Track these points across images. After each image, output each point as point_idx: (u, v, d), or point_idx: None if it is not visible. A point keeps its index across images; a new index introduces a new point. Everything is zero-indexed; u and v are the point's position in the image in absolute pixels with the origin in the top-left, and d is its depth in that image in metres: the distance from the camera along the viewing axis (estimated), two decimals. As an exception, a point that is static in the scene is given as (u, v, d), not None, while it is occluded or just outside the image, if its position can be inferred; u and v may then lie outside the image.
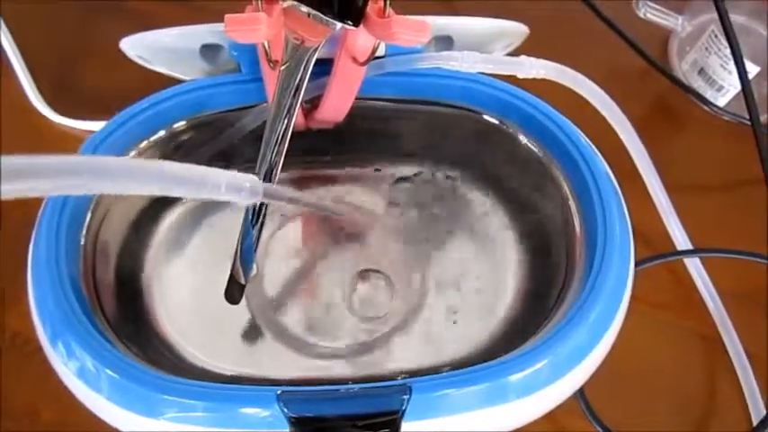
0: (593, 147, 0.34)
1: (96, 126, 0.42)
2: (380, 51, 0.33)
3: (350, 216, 0.39)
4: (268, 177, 0.30)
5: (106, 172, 0.21)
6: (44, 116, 0.44)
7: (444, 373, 0.28)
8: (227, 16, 0.27)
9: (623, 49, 0.46)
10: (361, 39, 0.30)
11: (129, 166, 0.22)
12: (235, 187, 0.24)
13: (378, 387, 0.28)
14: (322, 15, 0.27)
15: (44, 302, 0.29)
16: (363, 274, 0.37)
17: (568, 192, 0.34)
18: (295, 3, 0.27)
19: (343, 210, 0.38)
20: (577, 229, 0.33)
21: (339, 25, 0.28)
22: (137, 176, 0.21)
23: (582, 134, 0.34)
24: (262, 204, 0.31)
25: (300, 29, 0.28)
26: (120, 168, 0.21)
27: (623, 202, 0.33)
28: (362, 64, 0.31)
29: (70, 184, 0.20)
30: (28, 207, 0.32)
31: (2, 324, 0.38)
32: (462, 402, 0.28)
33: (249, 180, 0.24)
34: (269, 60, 0.30)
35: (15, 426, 0.36)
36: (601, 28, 0.46)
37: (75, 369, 0.28)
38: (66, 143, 0.43)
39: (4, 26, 0.46)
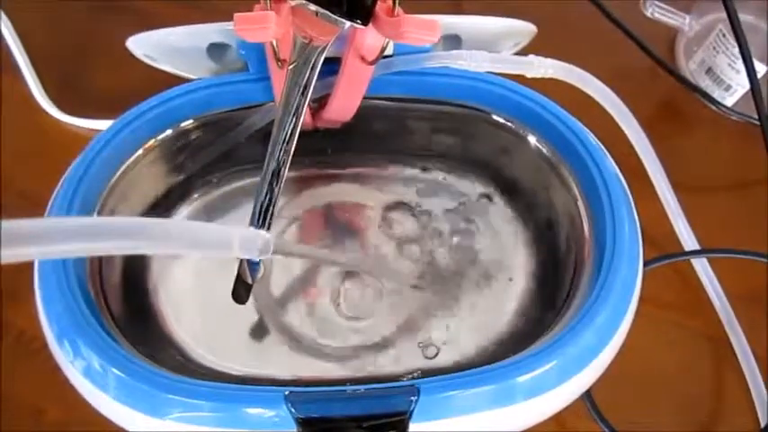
0: (603, 147, 0.34)
1: (102, 125, 0.42)
2: (389, 50, 0.33)
3: (364, 266, 0.38)
4: (275, 177, 0.30)
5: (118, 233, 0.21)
6: (50, 115, 0.44)
7: (452, 374, 0.28)
8: (236, 15, 0.27)
9: (630, 49, 0.46)
10: (369, 38, 0.30)
11: (142, 229, 0.22)
12: (247, 247, 0.25)
13: (385, 388, 0.28)
14: (331, 14, 0.27)
15: (51, 302, 0.29)
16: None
17: (577, 192, 0.33)
18: (304, 1, 0.27)
19: (357, 261, 0.38)
20: (586, 229, 0.33)
21: (348, 24, 0.27)
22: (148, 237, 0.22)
23: (591, 134, 0.34)
24: (269, 204, 0.31)
25: (309, 28, 0.28)
26: (129, 229, 0.21)
27: (632, 202, 0.33)
28: (371, 63, 0.31)
29: (89, 247, 0.20)
30: (35, 206, 0.32)
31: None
32: (470, 403, 0.27)
33: (261, 238, 0.25)
34: (277, 59, 0.30)
35: (20, 424, 0.36)
36: (608, 27, 0.46)
37: (82, 368, 0.28)
38: (72, 142, 0.43)
39: (9, 25, 0.46)
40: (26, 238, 0.19)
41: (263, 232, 0.26)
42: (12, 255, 0.18)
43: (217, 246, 0.24)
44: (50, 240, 0.19)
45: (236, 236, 0.24)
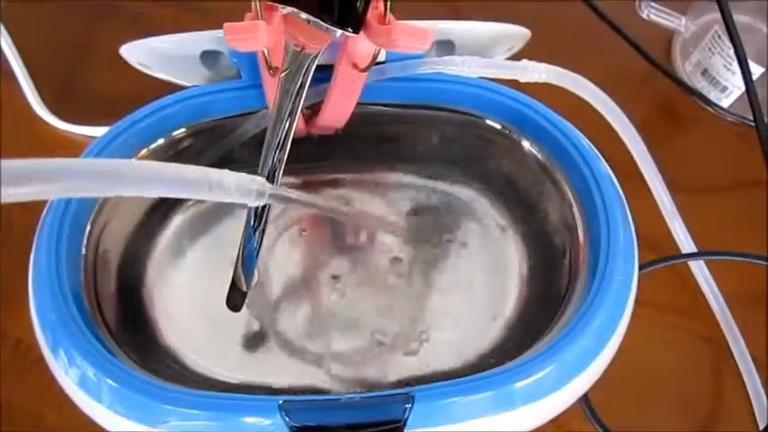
0: (596, 150, 0.34)
1: (98, 132, 0.42)
2: (381, 57, 0.33)
3: (354, 217, 0.38)
4: (270, 182, 0.30)
5: (119, 174, 0.21)
6: (46, 122, 0.44)
7: (448, 381, 0.28)
8: (226, 25, 0.27)
9: (626, 51, 0.46)
10: (361, 45, 0.30)
11: (141, 169, 0.22)
12: (244, 189, 0.25)
13: (380, 396, 0.28)
14: (322, 22, 0.27)
15: (45, 312, 0.29)
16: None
17: (571, 196, 0.33)
18: (295, 10, 0.27)
19: (348, 210, 0.38)
20: (581, 233, 0.33)
21: (339, 32, 0.27)
22: (148, 179, 0.22)
23: (584, 137, 0.34)
24: (263, 210, 0.31)
25: (300, 35, 0.28)
26: (132, 171, 0.21)
27: (626, 205, 0.32)
28: (363, 70, 0.31)
29: (84, 186, 0.20)
30: (34, 212, 0.32)
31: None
32: (466, 410, 0.27)
33: (256, 182, 0.25)
34: (269, 67, 0.30)
35: (19, 429, 0.36)
36: (603, 29, 0.46)
37: (76, 378, 0.28)
38: (68, 149, 0.43)
39: (5, 32, 0.46)
40: (13, 177, 0.18)
41: (258, 177, 0.26)
42: None
43: (214, 188, 0.24)
44: (44, 180, 0.19)
45: (233, 178, 0.25)
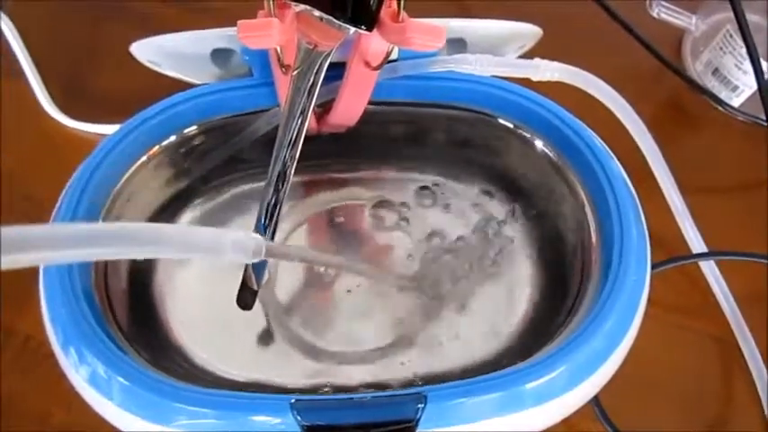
0: (608, 149, 0.33)
1: (108, 129, 0.42)
2: (394, 55, 0.33)
3: (359, 270, 0.38)
4: (281, 181, 0.30)
5: (115, 239, 0.21)
6: (55, 120, 0.44)
7: (460, 381, 0.28)
8: (239, 22, 0.27)
9: (637, 50, 0.46)
10: (374, 43, 0.30)
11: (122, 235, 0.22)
12: (239, 249, 0.25)
13: (392, 395, 0.28)
14: (335, 20, 0.27)
15: (56, 310, 0.29)
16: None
17: (584, 196, 0.33)
18: (308, 7, 0.27)
19: (350, 264, 0.38)
20: (593, 233, 0.32)
21: (352, 30, 0.27)
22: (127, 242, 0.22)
23: (597, 137, 0.34)
24: (274, 207, 0.31)
25: (313, 33, 0.28)
26: (120, 235, 0.22)
27: (639, 205, 0.32)
28: (376, 68, 0.31)
29: (88, 252, 0.20)
30: (41, 210, 0.32)
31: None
32: (478, 411, 0.27)
33: (253, 241, 0.25)
34: (281, 65, 0.30)
35: (26, 427, 0.36)
36: (614, 28, 0.46)
37: (87, 376, 0.28)
38: (76, 147, 0.43)
39: (14, 29, 0.46)
40: (14, 244, 0.19)
41: (255, 235, 0.26)
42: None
43: (209, 249, 0.24)
44: (42, 247, 0.19)
45: (229, 239, 0.24)
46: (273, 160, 0.30)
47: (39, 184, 0.39)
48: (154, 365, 0.30)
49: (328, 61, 0.29)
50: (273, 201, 0.30)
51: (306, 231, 0.38)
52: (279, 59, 0.30)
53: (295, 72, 0.29)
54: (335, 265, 0.37)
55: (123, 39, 0.38)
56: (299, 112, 0.29)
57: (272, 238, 0.31)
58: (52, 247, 0.19)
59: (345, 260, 0.38)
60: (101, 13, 0.49)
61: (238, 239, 0.25)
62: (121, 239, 0.21)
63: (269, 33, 0.27)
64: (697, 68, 0.48)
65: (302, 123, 0.30)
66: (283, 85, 0.31)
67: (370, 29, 0.27)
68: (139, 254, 0.22)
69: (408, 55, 0.34)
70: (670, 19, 0.48)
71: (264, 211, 0.31)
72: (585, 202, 0.33)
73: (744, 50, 0.39)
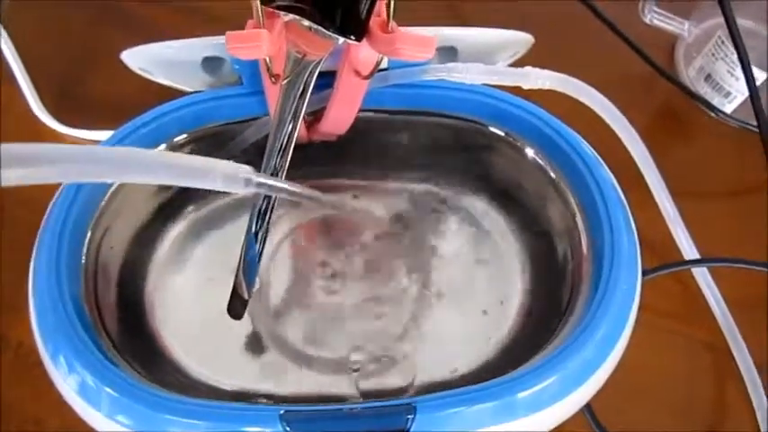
0: (598, 157, 0.33)
1: (99, 136, 0.42)
2: (384, 64, 0.33)
3: (348, 212, 0.38)
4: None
5: (106, 160, 0.21)
6: (47, 126, 0.44)
7: (450, 391, 0.28)
8: (228, 34, 0.27)
9: (629, 56, 0.46)
10: (363, 53, 0.30)
11: (128, 156, 0.22)
12: (231, 178, 0.25)
13: (382, 406, 0.28)
14: (324, 30, 0.27)
15: (45, 320, 0.29)
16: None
17: (574, 204, 0.33)
18: (297, 17, 0.27)
19: (343, 204, 0.38)
20: (584, 241, 0.32)
21: (341, 40, 0.27)
22: (136, 165, 0.22)
23: (587, 144, 0.34)
24: (265, 215, 0.30)
25: (302, 43, 0.28)
26: (120, 157, 0.22)
27: (629, 212, 0.32)
28: (366, 77, 0.31)
29: (73, 170, 0.20)
30: (35, 214, 0.32)
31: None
32: (468, 420, 0.27)
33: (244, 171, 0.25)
34: (270, 75, 0.30)
35: (20, 434, 0.36)
36: (606, 34, 0.45)
37: (76, 386, 0.28)
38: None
39: (6, 35, 0.46)
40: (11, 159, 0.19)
41: (244, 166, 0.25)
42: None
43: (200, 175, 0.24)
44: (33, 162, 0.20)
45: (220, 167, 0.24)
46: (263, 170, 0.30)
47: (32, 189, 0.39)
48: (144, 376, 0.29)
49: (318, 70, 0.29)
50: (264, 210, 0.30)
51: (298, 241, 0.38)
52: (268, 69, 0.30)
53: (284, 81, 0.29)
54: (323, 203, 0.36)
55: (116, 44, 0.38)
56: (288, 120, 0.29)
57: (263, 246, 0.31)
58: (36, 163, 0.20)
59: (335, 198, 0.38)
60: (93, 19, 0.49)
61: (229, 169, 0.25)
62: (111, 162, 0.21)
63: (258, 45, 0.27)
64: (690, 74, 0.48)
65: (292, 132, 0.30)
66: (273, 95, 0.31)
67: (359, 39, 0.27)
68: (129, 177, 0.22)
69: (399, 64, 0.34)
70: (662, 25, 0.48)
71: (255, 220, 0.30)
72: (576, 211, 0.33)
73: (735, 56, 0.39)
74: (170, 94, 0.35)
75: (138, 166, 0.22)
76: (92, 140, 0.43)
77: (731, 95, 0.45)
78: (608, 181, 0.32)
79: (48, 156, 0.20)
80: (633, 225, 0.32)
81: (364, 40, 0.28)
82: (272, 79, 0.30)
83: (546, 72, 0.33)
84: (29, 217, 0.31)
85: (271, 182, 0.27)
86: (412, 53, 0.27)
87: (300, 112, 0.29)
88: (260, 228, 0.31)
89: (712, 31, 0.45)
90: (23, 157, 0.19)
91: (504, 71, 0.33)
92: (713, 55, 0.45)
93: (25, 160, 0.19)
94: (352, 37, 0.27)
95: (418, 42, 0.27)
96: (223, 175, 0.24)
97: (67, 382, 0.28)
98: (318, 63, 0.29)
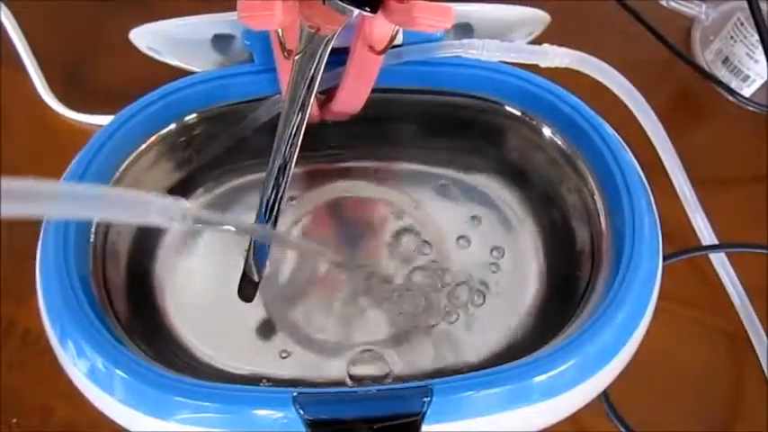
0: (620, 138, 0.33)
1: (106, 120, 0.41)
2: (398, 40, 0.33)
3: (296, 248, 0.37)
4: (282, 171, 0.30)
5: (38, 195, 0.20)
6: (55, 111, 0.44)
7: (466, 375, 0.27)
8: (240, 2, 0.26)
9: (645, 38, 0.45)
10: (378, 26, 0.29)
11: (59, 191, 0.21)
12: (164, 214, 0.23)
13: (397, 389, 0.27)
14: (338, 1, 0.26)
15: (53, 303, 0.28)
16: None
17: (594, 185, 0.33)
18: (310, -11, 0.26)
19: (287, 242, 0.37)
20: (603, 224, 0.32)
21: (356, 12, 0.26)
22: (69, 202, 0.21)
23: (608, 125, 0.33)
24: (275, 200, 0.30)
25: (316, 16, 0.27)
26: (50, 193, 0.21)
27: (651, 195, 0.32)
28: (380, 53, 0.30)
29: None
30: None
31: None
32: (485, 404, 0.27)
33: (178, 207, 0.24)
34: (283, 49, 0.29)
35: (28, 423, 0.35)
36: (622, 16, 0.45)
37: (86, 369, 0.27)
38: (76, 137, 0.42)
39: (12, 19, 0.45)
40: None
41: (183, 201, 0.24)
42: None
43: (134, 211, 0.23)
44: None
45: (154, 203, 0.23)
46: (274, 149, 0.30)
47: (37, 175, 0.39)
48: (153, 359, 0.29)
49: (331, 45, 0.28)
50: (274, 192, 0.30)
51: (310, 222, 0.38)
52: (281, 43, 0.29)
53: (297, 56, 0.28)
54: (274, 240, 0.35)
55: (123, 28, 0.38)
56: (300, 99, 0.29)
57: (273, 229, 0.31)
58: None
59: (282, 235, 0.36)
60: (100, 3, 0.49)
61: (164, 205, 0.23)
62: (43, 197, 0.21)
63: (271, 14, 0.26)
64: (707, 58, 0.47)
65: (304, 111, 0.29)
66: (285, 70, 0.31)
67: (374, 10, 0.27)
68: (62, 212, 0.21)
69: (413, 40, 0.33)
70: (679, 7, 0.47)
71: (265, 203, 0.30)
72: (596, 191, 0.32)
73: (755, 39, 0.38)
74: (178, 76, 0.35)
75: (72, 202, 0.21)
76: (98, 125, 0.43)
77: (750, 79, 0.45)
78: (630, 162, 0.32)
79: None
80: (654, 207, 0.32)
81: (380, 12, 0.27)
82: (285, 54, 0.29)
83: (564, 49, 0.33)
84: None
85: (206, 217, 0.26)
86: (430, 22, 0.27)
87: (313, 89, 0.29)
88: (269, 213, 0.30)
89: (730, 14, 0.45)
90: None
91: (521, 48, 0.33)
92: (732, 38, 0.44)
93: None
94: (368, 8, 0.26)
95: (436, 11, 0.27)
96: (158, 211, 0.23)
97: (77, 365, 0.27)
98: (332, 38, 0.28)
